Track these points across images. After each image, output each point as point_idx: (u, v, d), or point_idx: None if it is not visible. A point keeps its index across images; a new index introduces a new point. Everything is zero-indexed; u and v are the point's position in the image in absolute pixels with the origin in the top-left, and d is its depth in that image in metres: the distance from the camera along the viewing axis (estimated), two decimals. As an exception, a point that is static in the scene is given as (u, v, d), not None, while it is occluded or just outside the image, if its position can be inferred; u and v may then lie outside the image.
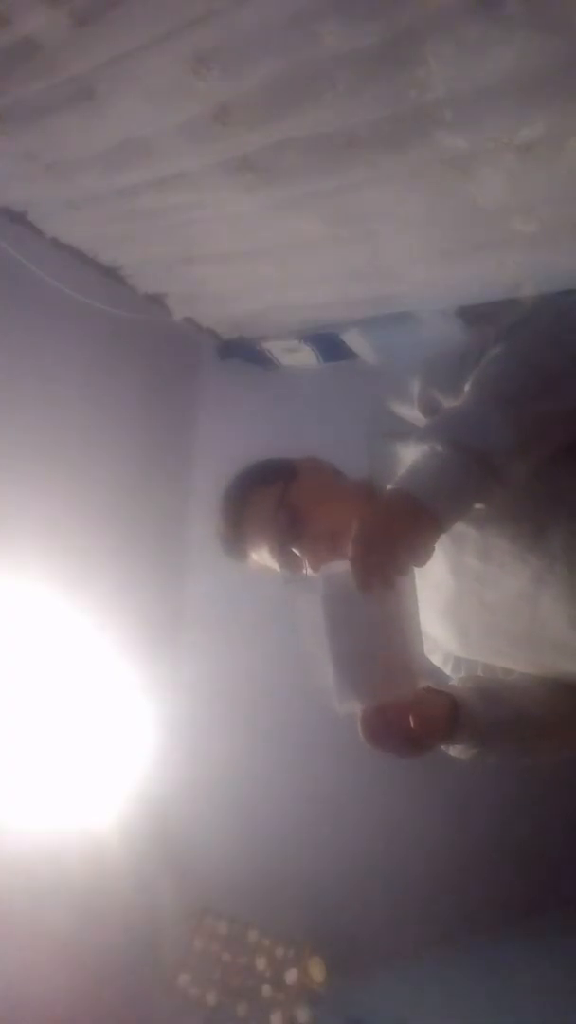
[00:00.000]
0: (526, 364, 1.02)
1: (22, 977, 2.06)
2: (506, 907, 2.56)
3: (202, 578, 2.83)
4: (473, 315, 2.28)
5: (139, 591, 2.50)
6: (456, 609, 1.17)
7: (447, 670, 1.26)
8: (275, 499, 1.22)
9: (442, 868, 2.53)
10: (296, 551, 1.19)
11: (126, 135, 1.74)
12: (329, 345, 2.60)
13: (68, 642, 2.31)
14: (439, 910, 2.52)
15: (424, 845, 2.53)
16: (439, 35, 1.35)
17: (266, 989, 2.43)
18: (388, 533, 0.95)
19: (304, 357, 2.68)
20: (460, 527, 1.02)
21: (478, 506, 1.01)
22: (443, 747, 1.10)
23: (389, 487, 1.00)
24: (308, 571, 1.21)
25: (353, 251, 2.05)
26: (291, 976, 2.43)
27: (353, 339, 2.53)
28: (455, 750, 1.12)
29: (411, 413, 1.16)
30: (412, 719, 1.01)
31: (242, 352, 2.78)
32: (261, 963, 2.48)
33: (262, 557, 1.24)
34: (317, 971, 2.43)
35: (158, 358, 2.79)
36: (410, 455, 1.05)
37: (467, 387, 1.04)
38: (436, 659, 1.28)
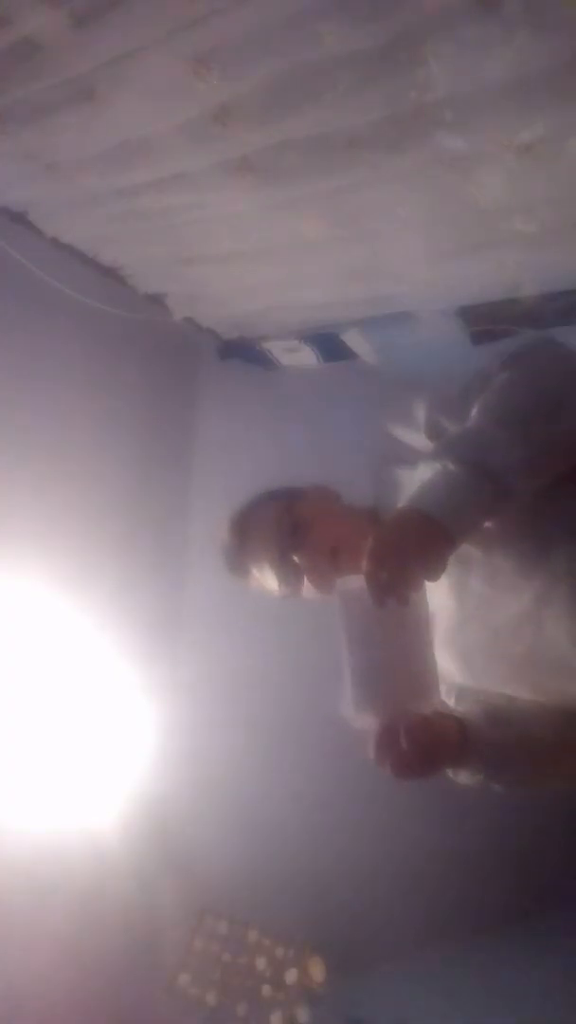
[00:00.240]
0: (532, 389, 1.06)
1: (22, 977, 2.06)
2: (506, 907, 2.56)
3: (202, 578, 2.84)
4: (473, 315, 2.29)
5: (139, 591, 2.50)
6: (459, 635, 1.18)
7: (451, 702, 1.27)
8: (281, 509, 1.26)
9: (442, 868, 2.53)
10: (297, 561, 1.22)
11: (126, 135, 1.73)
12: (329, 345, 2.60)
13: (68, 642, 2.31)
14: (439, 910, 2.52)
15: (424, 845, 2.53)
16: (439, 36, 1.35)
17: (266, 989, 2.43)
18: (402, 547, 0.97)
19: (304, 357, 2.69)
20: (465, 549, 1.04)
21: (487, 525, 1.03)
22: (450, 773, 1.12)
23: (402, 504, 1.02)
24: (307, 588, 1.23)
25: (353, 251, 2.05)
26: (291, 976, 2.43)
27: (353, 339, 2.53)
28: (462, 775, 1.13)
29: (416, 438, 1.19)
30: (421, 740, 1.03)
31: (242, 352, 2.78)
32: (261, 963, 2.48)
33: (263, 571, 1.27)
34: (317, 971, 2.44)
35: (158, 358, 2.79)
36: (415, 479, 1.08)
37: (474, 411, 1.07)
38: (440, 691, 1.28)
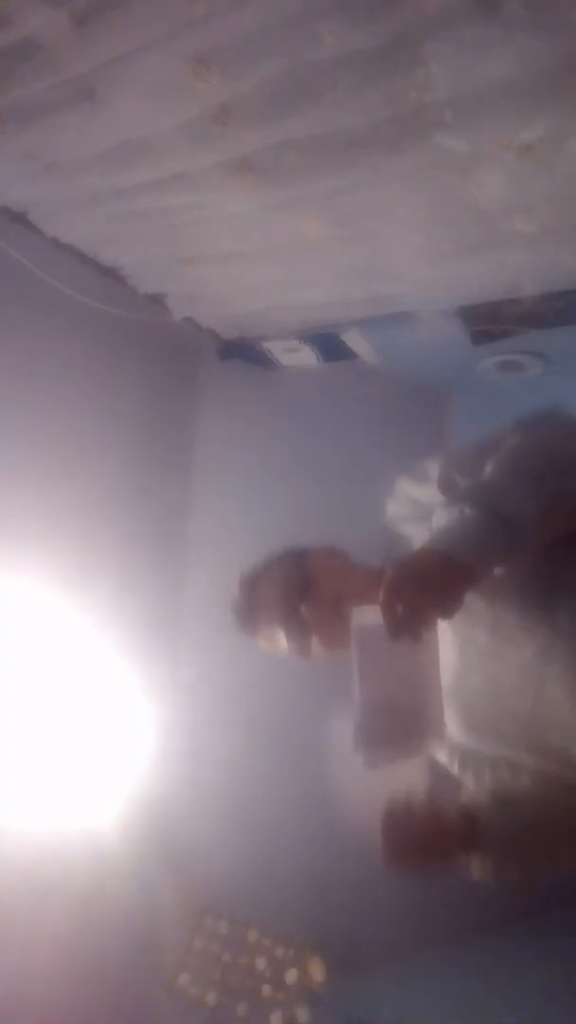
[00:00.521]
0: (544, 450, 1.12)
1: (22, 977, 2.06)
2: (506, 907, 2.56)
3: (202, 578, 2.84)
4: (473, 315, 2.29)
5: (139, 591, 2.49)
6: (461, 687, 1.19)
7: (453, 767, 1.28)
8: (290, 566, 1.32)
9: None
10: (305, 613, 1.25)
11: (126, 135, 1.73)
12: (329, 345, 2.60)
13: (68, 642, 2.31)
14: (439, 910, 2.52)
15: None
16: (439, 36, 1.35)
17: (266, 989, 2.43)
18: (419, 582, 1.01)
19: (304, 357, 2.69)
20: (469, 599, 1.06)
21: (494, 575, 1.07)
22: (459, 866, 1.13)
23: (421, 545, 1.06)
24: (315, 646, 1.26)
25: (353, 251, 2.05)
26: (291, 976, 2.43)
27: (353, 339, 2.53)
28: (473, 869, 1.14)
29: (428, 493, 1.23)
30: (426, 838, 1.07)
31: (242, 352, 2.78)
32: (261, 963, 2.48)
33: (272, 627, 1.30)
34: (317, 971, 2.43)
35: (158, 358, 2.79)
36: (425, 532, 1.13)
37: (488, 467, 1.12)
38: (442, 755, 1.29)
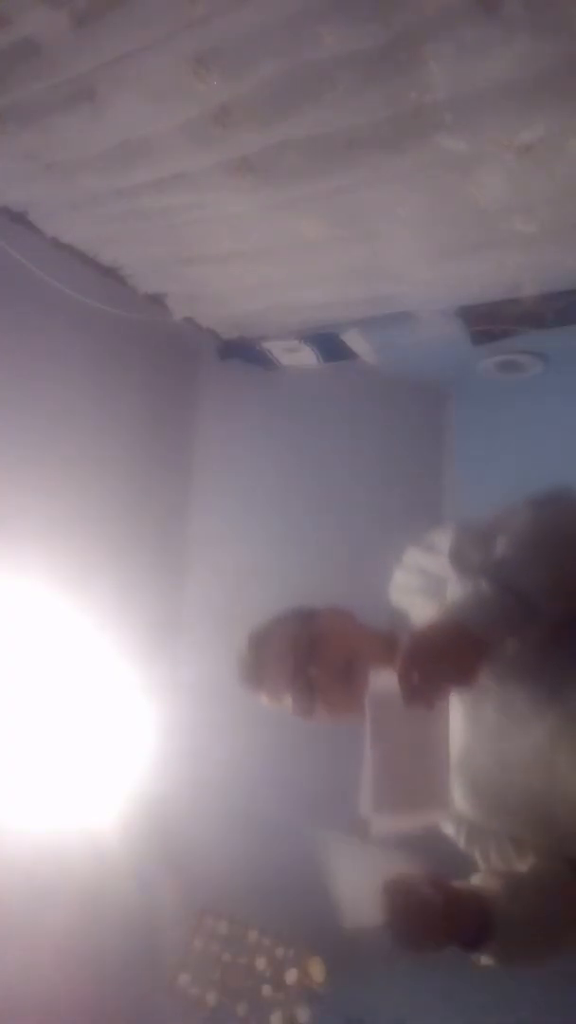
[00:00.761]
0: (557, 528, 1.15)
1: (22, 977, 2.06)
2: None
3: (202, 578, 2.84)
4: (473, 315, 2.29)
5: (139, 591, 2.49)
6: (469, 764, 1.20)
7: (460, 841, 1.29)
8: (298, 626, 1.32)
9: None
10: (312, 676, 1.26)
11: (126, 135, 1.73)
12: (329, 345, 2.60)
13: (68, 642, 2.31)
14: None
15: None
16: (439, 36, 1.35)
17: (266, 989, 2.43)
18: (438, 654, 1.03)
19: (304, 357, 2.69)
20: (481, 680, 1.08)
21: (510, 648, 1.08)
22: (472, 954, 1.13)
23: (436, 616, 1.09)
24: (321, 707, 1.27)
25: (353, 251, 2.05)
26: (291, 976, 2.43)
27: (353, 339, 2.53)
28: (486, 956, 1.14)
29: (439, 565, 1.25)
30: (442, 923, 1.07)
31: (242, 352, 2.78)
32: (261, 963, 2.48)
33: (279, 686, 1.30)
34: (317, 971, 2.43)
35: (158, 358, 2.79)
36: (434, 602, 1.17)
37: (501, 542, 1.15)
38: (449, 828, 1.30)
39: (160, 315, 2.55)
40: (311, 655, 1.27)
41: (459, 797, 1.23)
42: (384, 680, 1.09)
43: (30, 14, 1.46)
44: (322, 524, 2.82)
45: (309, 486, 2.86)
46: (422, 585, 1.27)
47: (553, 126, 1.50)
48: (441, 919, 1.07)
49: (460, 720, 1.19)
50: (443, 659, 1.03)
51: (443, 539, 1.26)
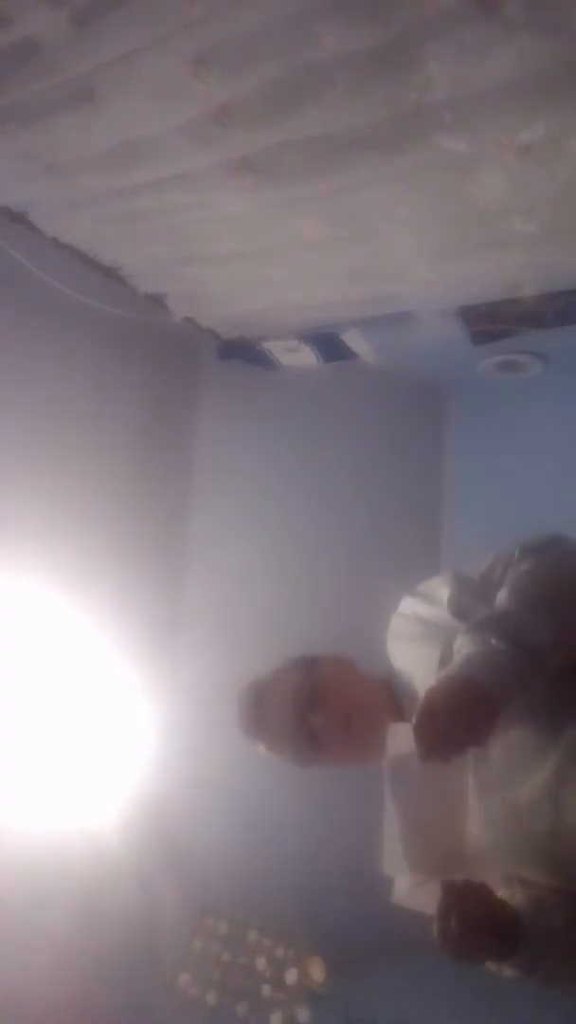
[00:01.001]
0: (555, 579, 1.18)
1: (22, 977, 2.06)
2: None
3: (202, 578, 2.84)
4: (473, 315, 2.29)
5: (139, 592, 2.49)
6: (480, 809, 1.22)
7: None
8: (299, 675, 1.33)
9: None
10: (313, 725, 1.27)
11: (126, 135, 1.73)
12: (329, 345, 2.60)
13: (68, 643, 2.31)
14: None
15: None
16: (439, 37, 1.35)
17: (266, 989, 2.43)
18: (455, 711, 1.05)
19: (304, 357, 2.68)
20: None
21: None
22: (498, 963, 1.15)
23: (448, 673, 1.11)
24: (322, 755, 1.29)
25: (353, 251, 2.05)
26: (291, 976, 2.43)
27: (353, 339, 2.53)
28: (513, 964, 1.15)
29: (437, 613, 1.27)
30: (476, 924, 1.08)
31: (242, 352, 2.78)
32: (261, 963, 2.48)
33: (280, 736, 1.32)
34: (317, 971, 2.43)
35: (158, 358, 2.79)
36: (431, 652, 1.20)
37: (502, 595, 1.17)
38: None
39: (160, 315, 2.55)
40: (312, 705, 1.28)
41: (472, 843, 1.25)
42: (400, 748, 1.12)
43: (30, 14, 1.46)
44: (322, 524, 2.82)
45: (309, 486, 2.86)
46: (421, 633, 1.29)
47: (553, 126, 1.50)
48: (493, 932, 1.09)
49: (468, 766, 1.22)
50: (460, 717, 1.05)
51: (441, 589, 1.28)
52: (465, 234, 1.89)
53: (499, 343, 2.42)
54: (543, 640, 1.08)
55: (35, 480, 2.24)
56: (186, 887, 2.55)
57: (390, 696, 1.33)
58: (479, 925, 1.08)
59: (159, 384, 2.81)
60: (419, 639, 1.29)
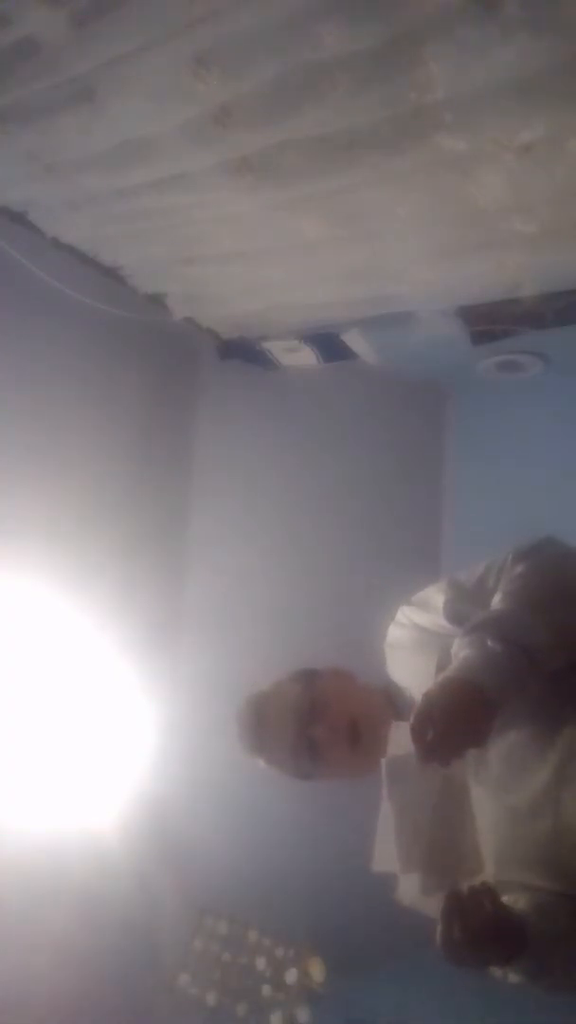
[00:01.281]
0: (551, 581, 1.18)
1: (22, 977, 2.06)
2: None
3: (202, 578, 2.84)
4: (473, 315, 2.29)
5: (139, 591, 2.50)
6: (479, 813, 1.23)
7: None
8: (300, 687, 1.34)
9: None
10: (314, 739, 1.28)
11: (126, 135, 1.73)
12: (329, 345, 2.60)
13: (68, 642, 2.31)
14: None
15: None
16: (439, 37, 1.35)
17: (266, 989, 2.43)
18: (451, 711, 1.04)
19: (304, 357, 2.68)
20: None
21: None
22: (501, 969, 1.14)
23: (446, 675, 1.10)
24: (323, 768, 1.30)
25: (353, 251, 2.05)
26: (291, 976, 2.43)
27: (353, 339, 2.53)
28: (517, 970, 1.15)
29: (433, 621, 1.27)
30: (477, 930, 1.07)
31: (242, 352, 2.78)
32: (261, 963, 2.49)
33: (281, 750, 1.32)
34: (317, 971, 2.44)
35: (158, 358, 2.79)
36: (428, 659, 1.21)
37: (497, 597, 1.16)
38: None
39: (160, 315, 2.55)
40: (312, 718, 1.28)
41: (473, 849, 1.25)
42: (398, 742, 1.13)
43: (30, 14, 1.46)
44: (322, 524, 2.82)
45: (309, 486, 2.86)
46: (418, 641, 1.29)
47: (553, 126, 1.50)
48: (496, 939, 1.09)
49: (466, 773, 1.22)
50: (458, 719, 1.04)
51: (436, 596, 1.28)
52: (465, 234, 1.89)
53: (499, 343, 2.42)
54: (540, 641, 1.08)
55: (35, 480, 2.24)
56: (186, 887, 2.56)
57: (390, 706, 1.33)
58: (482, 931, 1.07)
59: (159, 384, 2.81)
60: (416, 647, 1.29)
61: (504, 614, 1.13)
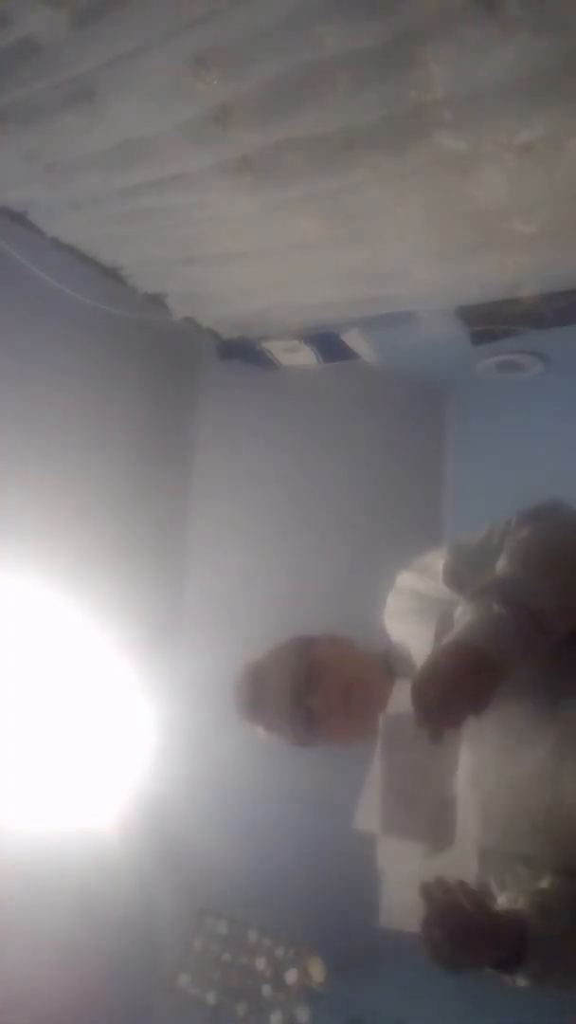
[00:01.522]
0: (557, 544, 1.15)
1: (22, 977, 2.06)
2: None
3: (202, 578, 2.84)
4: (473, 315, 2.29)
5: (139, 591, 2.49)
6: (477, 786, 1.20)
7: (474, 868, 1.26)
8: (297, 654, 1.32)
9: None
10: (311, 707, 1.27)
11: (126, 135, 1.73)
12: (329, 345, 2.60)
13: (68, 642, 2.31)
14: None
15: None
16: (439, 36, 1.35)
17: (266, 989, 2.43)
18: (454, 678, 1.02)
19: (304, 357, 2.69)
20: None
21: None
22: (502, 974, 1.12)
23: (450, 639, 1.07)
24: (320, 735, 1.29)
25: (353, 251, 2.05)
26: (291, 976, 2.43)
27: (353, 339, 2.53)
28: (521, 977, 1.13)
29: (433, 587, 1.25)
30: (482, 945, 1.06)
31: (242, 352, 2.78)
32: (261, 963, 2.48)
33: (278, 717, 1.31)
34: (317, 971, 2.44)
35: (158, 358, 2.79)
36: (427, 625, 1.18)
37: (502, 561, 1.14)
38: (460, 852, 1.28)
39: (160, 315, 2.55)
40: (310, 685, 1.27)
41: (470, 819, 1.22)
42: (399, 701, 1.10)
43: (30, 14, 1.46)
44: (322, 525, 2.82)
45: (309, 486, 2.86)
46: (416, 608, 1.27)
47: (553, 126, 1.50)
48: (482, 942, 1.07)
49: (463, 743, 1.19)
50: (459, 684, 1.02)
51: (436, 561, 1.25)
52: (465, 234, 1.89)
53: (499, 343, 2.42)
54: (547, 605, 1.05)
55: (35, 480, 2.24)
56: (186, 887, 2.55)
57: (389, 672, 1.31)
58: (464, 931, 1.06)
59: (159, 384, 2.81)
60: (414, 614, 1.27)
61: (509, 578, 1.11)
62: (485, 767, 1.19)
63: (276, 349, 2.70)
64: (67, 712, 2.32)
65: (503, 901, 1.20)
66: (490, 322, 2.29)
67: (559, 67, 1.36)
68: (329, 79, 1.47)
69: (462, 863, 1.25)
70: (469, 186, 1.70)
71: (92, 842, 2.26)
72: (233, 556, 2.81)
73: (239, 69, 1.49)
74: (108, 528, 2.47)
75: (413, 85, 1.44)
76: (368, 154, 1.64)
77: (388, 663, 1.33)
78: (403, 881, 1.24)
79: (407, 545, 1.37)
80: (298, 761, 2.53)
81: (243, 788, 2.44)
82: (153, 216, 2.03)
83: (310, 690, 1.27)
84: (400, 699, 1.11)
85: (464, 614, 1.10)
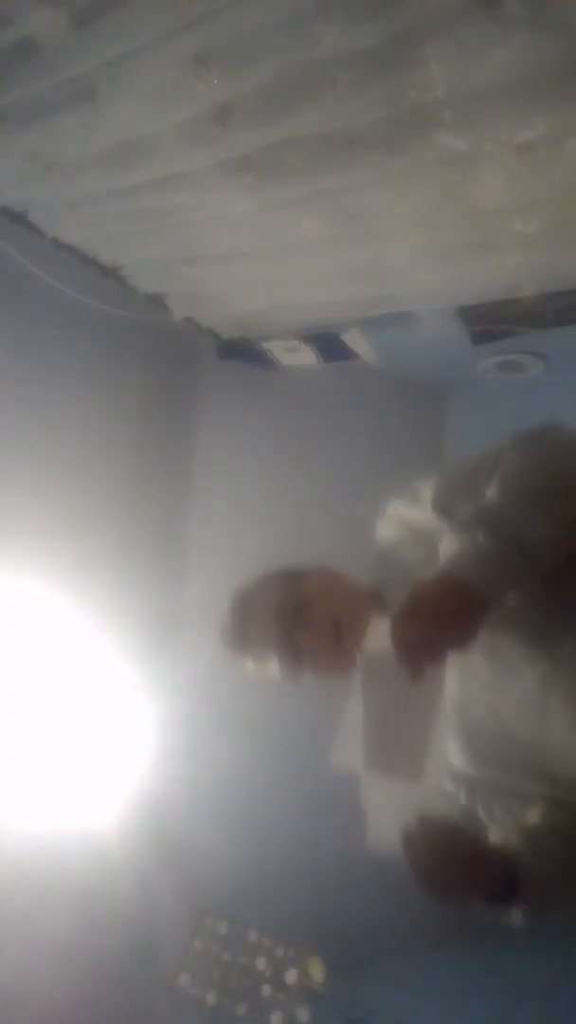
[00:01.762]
0: (550, 470, 1.09)
1: (21, 977, 2.06)
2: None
3: (202, 578, 2.84)
4: (473, 315, 2.29)
5: (139, 591, 2.50)
6: (463, 716, 1.18)
7: (460, 797, 1.25)
8: (283, 588, 1.28)
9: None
10: (299, 641, 1.23)
11: (126, 135, 1.73)
12: (329, 345, 2.60)
13: (68, 642, 2.31)
14: (439, 910, 2.51)
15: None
16: (439, 36, 1.35)
17: (266, 989, 2.43)
18: (436, 613, 0.97)
19: (304, 357, 2.69)
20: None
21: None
22: (494, 911, 1.11)
23: (433, 572, 1.03)
24: (308, 669, 1.25)
25: (353, 251, 2.05)
26: (291, 976, 2.43)
27: (353, 339, 2.53)
28: (514, 913, 1.11)
29: (422, 517, 1.20)
30: (466, 878, 1.05)
31: (242, 352, 2.78)
32: (261, 963, 2.48)
33: (265, 651, 1.27)
34: (317, 971, 2.43)
35: (158, 358, 2.79)
36: (420, 554, 1.14)
37: (492, 488, 1.08)
38: (448, 784, 1.27)
39: (160, 315, 2.55)
40: (298, 618, 1.23)
41: (456, 751, 1.20)
42: (378, 638, 1.06)
43: (30, 14, 1.47)
44: (322, 524, 2.82)
45: (309, 486, 2.86)
46: (406, 537, 1.23)
47: (553, 125, 1.50)
48: (465, 874, 1.05)
49: (451, 674, 1.16)
50: (442, 619, 0.97)
51: (425, 489, 1.21)
52: (465, 234, 1.89)
53: (499, 343, 2.42)
54: (536, 535, 1.00)
55: (35, 480, 2.25)
56: (185, 887, 2.55)
57: (380, 604, 1.26)
58: (452, 857, 1.04)
59: (159, 384, 2.81)
60: (404, 543, 1.23)
61: (499, 507, 1.05)
62: (471, 697, 1.16)
63: (276, 349, 2.70)
64: (67, 712, 2.32)
65: (494, 837, 1.18)
66: (490, 322, 2.29)
67: (559, 67, 1.36)
68: (329, 79, 1.47)
69: (449, 795, 1.24)
70: (469, 186, 1.70)
71: (92, 842, 2.26)
72: (233, 556, 2.81)
73: (239, 69, 1.49)
74: (108, 528, 2.47)
75: (413, 85, 1.44)
76: (368, 154, 1.64)
77: (379, 595, 1.28)
78: (388, 816, 1.21)
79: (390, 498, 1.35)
80: (298, 761, 2.53)
81: (243, 788, 2.44)
82: (153, 216, 2.03)
83: (298, 623, 1.23)
84: (382, 634, 1.06)
85: (450, 545, 1.06)
